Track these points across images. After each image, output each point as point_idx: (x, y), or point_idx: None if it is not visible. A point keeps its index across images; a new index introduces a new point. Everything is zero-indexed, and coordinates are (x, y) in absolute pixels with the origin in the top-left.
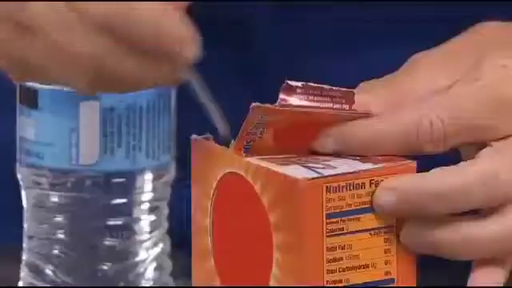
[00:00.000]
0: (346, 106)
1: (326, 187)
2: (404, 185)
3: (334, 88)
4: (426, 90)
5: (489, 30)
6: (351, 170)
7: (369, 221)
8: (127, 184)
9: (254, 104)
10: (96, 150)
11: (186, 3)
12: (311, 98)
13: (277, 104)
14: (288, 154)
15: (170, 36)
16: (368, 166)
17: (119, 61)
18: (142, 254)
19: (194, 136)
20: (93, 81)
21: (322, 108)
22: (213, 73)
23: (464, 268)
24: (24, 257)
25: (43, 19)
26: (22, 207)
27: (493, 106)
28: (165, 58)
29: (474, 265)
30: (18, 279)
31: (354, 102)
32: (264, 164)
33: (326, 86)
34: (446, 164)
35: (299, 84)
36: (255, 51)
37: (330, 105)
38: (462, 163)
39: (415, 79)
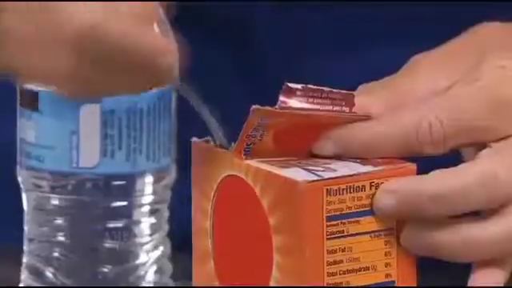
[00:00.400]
0: (346, 109)
1: (327, 190)
2: (403, 187)
3: (333, 90)
4: (426, 91)
5: (489, 31)
6: (351, 173)
7: (369, 223)
8: (127, 187)
9: (253, 106)
10: (96, 152)
11: (160, 13)
12: (311, 100)
13: (277, 106)
14: (288, 156)
15: (139, 51)
16: (368, 168)
17: (93, 75)
18: (143, 257)
19: (194, 139)
20: (72, 90)
21: (322, 110)
22: (213, 73)
23: (464, 270)
24: (24, 259)
25: (18, 35)
26: (22, 209)
27: (492, 107)
28: (141, 70)
29: (473, 266)
30: (18, 281)
31: (354, 105)
32: (264, 166)
33: (325, 89)
34: (447, 166)
35: (299, 86)
36: (255, 51)
37: (330, 107)
38: (461, 165)
39: (415, 80)
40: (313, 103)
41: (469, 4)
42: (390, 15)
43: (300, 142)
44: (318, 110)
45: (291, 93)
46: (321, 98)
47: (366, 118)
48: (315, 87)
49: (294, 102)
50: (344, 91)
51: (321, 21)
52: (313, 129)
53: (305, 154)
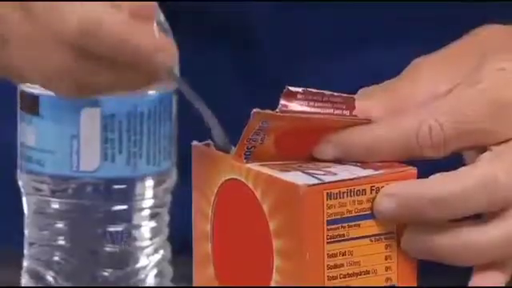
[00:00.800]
0: (347, 112)
1: (327, 193)
2: (404, 191)
3: (334, 94)
4: (427, 95)
5: (489, 33)
6: (352, 177)
7: (369, 227)
8: (128, 190)
9: (254, 110)
10: (97, 156)
11: (155, 13)
12: (312, 103)
13: (277, 110)
14: (289, 160)
15: (137, 49)
16: (368, 172)
17: (92, 72)
18: (143, 261)
19: (194, 142)
20: (70, 89)
21: (323, 114)
22: (213, 73)
23: (464, 273)
24: (25, 263)
25: (18, 33)
26: (23, 213)
27: (492, 110)
28: (138, 67)
29: (474, 269)
30: (19, 285)
31: (354, 108)
32: (265, 170)
33: (326, 92)
34: (448, 169)
35: (300, 90)
36: (255, 51)
37: (331, 110)
38: (461, 168)
39: (416, 84)
40: (313, 107)
41: (469, 4)
42: (390, 15)
43: (301, 146)
44: (319, 113)
45: (292, 96)
46: (321, 101)
47: (367, 121)
48: (316, 91)
49: (295, 106)
50: (345, 95)
51: (321, 21)
52: (313, 132)
53: (306, 157)
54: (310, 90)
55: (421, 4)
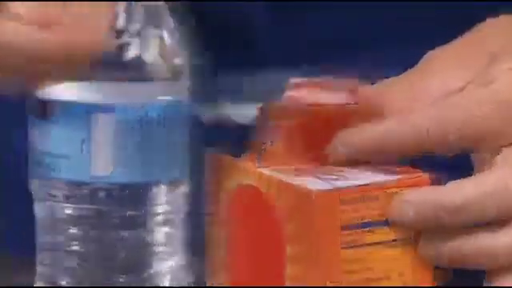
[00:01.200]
0: (351, 96)
1: (340, 199)
2: (420, 198)
3: (336, 80)
4: (440, 90)
5: (499, 25)
6: (365, 182)
7: (384, 233)
8: (142, 196)
9: (258, 106)
10: (110, 161)
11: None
12: (315, 92)
13: (282, 102)
14: (301, 163)
15: (49, 56)
16: (382, 177)
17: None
18: (157, 266)
19: (208, 148)
20: None
21: (327, 102)
22: (213, 73)
23: (478, 276)
24: (38, 269)
25: None
26: (36, 219)
27: (504, 110)
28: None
29: (487, 272)
30: None
31: (357, 91)
32: (277, 175)
33: (328, 79)
34: (460, 170)
35: (302, 80)
36: (255, 51)
37: (335, 97)
38: (476, 175)
39: (429, 78)
40: (317, 95)
41: (470, 5)
42: (391, 16)
43: (311, 144)
44: (324, 101)
45: (295, 87)
46: (325, 88)
47: (371, 108)
48: (319, 79)
49: (299, 96)
50: (347, 80)
51: (320, 21)
52: (322, 128)
53: (317, 158)
54: (312, 79)
55: (422, 4)
